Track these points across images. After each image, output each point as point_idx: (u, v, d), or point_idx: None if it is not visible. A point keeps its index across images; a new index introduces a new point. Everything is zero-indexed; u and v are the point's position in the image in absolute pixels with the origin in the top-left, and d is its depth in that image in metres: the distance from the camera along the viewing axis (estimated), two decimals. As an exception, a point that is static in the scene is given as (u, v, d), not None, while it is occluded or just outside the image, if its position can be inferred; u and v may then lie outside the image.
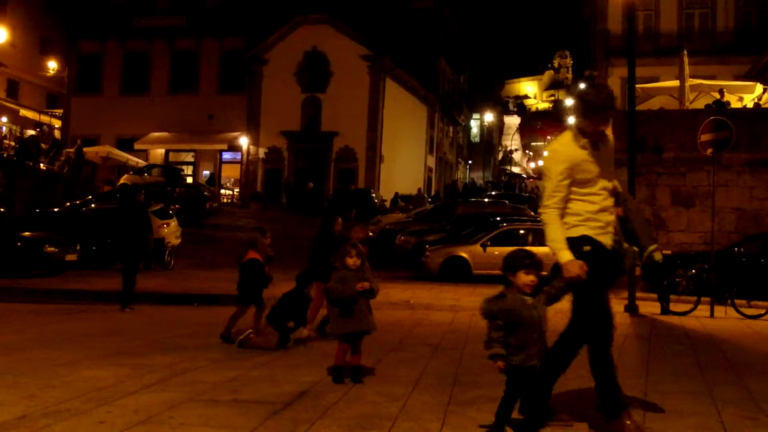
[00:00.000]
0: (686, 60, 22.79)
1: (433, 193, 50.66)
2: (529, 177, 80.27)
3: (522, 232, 20.88)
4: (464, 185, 53.97)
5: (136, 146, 41.75)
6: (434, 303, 15.20)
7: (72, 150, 34.38)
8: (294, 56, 41.56)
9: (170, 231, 22.58)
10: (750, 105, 23.34)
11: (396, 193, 39.08)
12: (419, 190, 41.83)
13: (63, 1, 46.07)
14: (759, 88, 24.02)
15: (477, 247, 20.07)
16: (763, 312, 13.43)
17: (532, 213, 29.38)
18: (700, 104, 23.00)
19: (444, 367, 8.46)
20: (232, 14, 42.55)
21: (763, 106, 22.70)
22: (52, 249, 18.43)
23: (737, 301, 13.78)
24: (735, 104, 23.22)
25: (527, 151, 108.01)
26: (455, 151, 64.13)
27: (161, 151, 43.32)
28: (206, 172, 43.16)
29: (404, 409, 6.57)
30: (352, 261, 7.65)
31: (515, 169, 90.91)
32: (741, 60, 33.29)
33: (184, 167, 42.53)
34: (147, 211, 14.70)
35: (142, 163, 38.06)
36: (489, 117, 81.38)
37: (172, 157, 43.94)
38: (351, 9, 42.88)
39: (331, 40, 41.26)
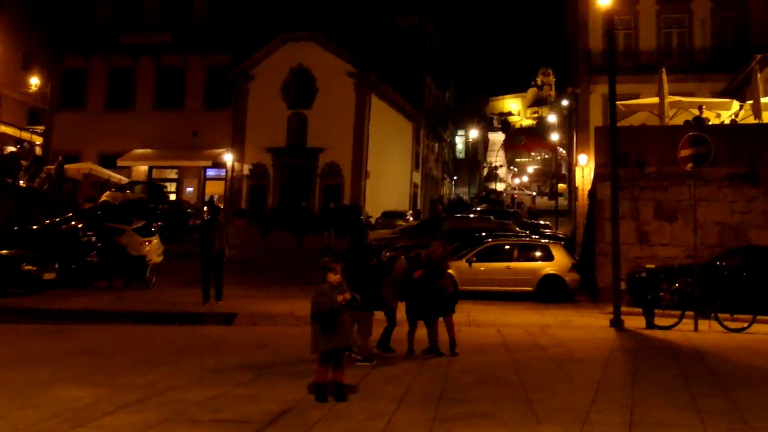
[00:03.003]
0: (665, 77, 22.96)
1: (419, 207, 50.69)
2: (513, 192, 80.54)
3: (507, 247, 20.84)
4: (449, 201, 54.07)
5: (119, 163, 41.44)
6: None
7: (53, 167, 34.11)
8: (280, 73, 41.55)
9: (152, 248, 22.38)
10: (727, 121, 23.55)
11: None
12: (438, 208, 41.18)
13: (48, 17, 45.91)
14: (735, 104, 24.23)
15: (462, 263, 19.98)
16: (746, 325, 13.45)
17: (517, 228, 29.48)
18: (679, 120, 23.17)
19: (430, 384, 8.41)
20: (219, 31, 42.47)
21: (740, 123, 22.91)
22: (30, 267, 17.98)
23: (721, 315, 13.79)
24: (713, 120, 23.39)
25: (511, 167, 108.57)
26: (440, 166, 64.26)
27: (144, 167, 43.00)
28: (189, 189, 42.98)
29: (389, 425, 6.51)
30: (336, 278, 7.61)
31: (500, 185, 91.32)
32: (718, 77, 33.65)
33: (168, 184, 42.30)
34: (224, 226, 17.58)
35: (124, 179, 37.78)
36: (474, 133, 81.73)
37: (155, 173, 43.62)
38: (337, 26, 42.96)
39: (316, 57, 41.29)
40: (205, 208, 32.03)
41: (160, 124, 42.42)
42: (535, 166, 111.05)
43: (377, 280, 10.15)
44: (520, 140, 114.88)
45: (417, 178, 53.57)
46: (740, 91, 29.28)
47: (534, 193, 78.85)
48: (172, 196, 39.94)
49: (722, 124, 23.20)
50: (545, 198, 77.52)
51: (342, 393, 7.41)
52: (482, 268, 19.79)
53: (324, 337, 7.46)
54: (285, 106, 41.26)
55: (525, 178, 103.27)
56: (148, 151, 42.52)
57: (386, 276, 10.42)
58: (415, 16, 52.97)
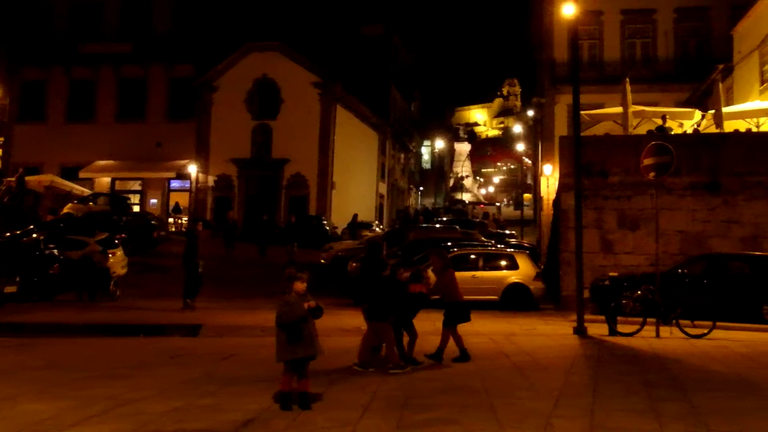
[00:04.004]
0: (629, 87, 23.30)
1: (390, 217, 50.78)
2: (479, 203, 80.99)
3: (472, 256, 20.94)
4: (416, 211, 54.20)
5: (81, 175, 40.92)
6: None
7: (13, 179, 33.60)
8: (244, 83, 41.39)
9: (116, 260, 22.13)
10: (690, 131, 23.92)
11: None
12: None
13: (5, 27, 45.19)
14: (698, 114, 24.64)
15: (428, 273, 20.05)
16: (706, 331, 13.67)
17: (483, 238, 29.64)
18: (642, 130, 23.47)
19: (394, 391, 8.44)
20: (182, 41, 42.16)
21: (702, 132, 23.29)
22: (-10, 280, 17.73)
23: (682, 322, 14.00)
24: (676, 130, 23.76)
25: (478, 178, 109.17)
26: (407, 177, 64.44)
27: (107, 179, 42.52)
28: (153, 201, 42.57)
29: (353, 433, 6.52)
30: (303, 287, 7.62)
31: (466, 196, 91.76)
32: (681, 87, 34.27)
33: (131, 196, 41.87)
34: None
35: (87, 191, 37.29)
36: (440, 144, 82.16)
37: (118, 185, 43.16)
38: (302, 36, 42.94)
39: (281, 68, 41.23)
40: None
41: (122, 135, 42.01)
42: (501, 177, 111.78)
43: (391, 291, 10.38)
44: (486, 151, 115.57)
45: (383, 188, 53.68)
46: (703, 100, 29.81)
47: (499, 203, 79.35)
48: (136, 208, 39.56)
49: (685, 133, 23.57)
50: (511, 208, 78.06)
51: (307, 401, 7.41)
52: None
53: (290, 346, 7.46)
54: (250, 117, 41.13)
55: (491, 189, 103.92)
56: (110, 162, 42.07)
57: (400, 287, 10.57)
58: (380, 26, 53.15)
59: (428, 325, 11.93)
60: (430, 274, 11.50)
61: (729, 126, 22.35)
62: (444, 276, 11.24)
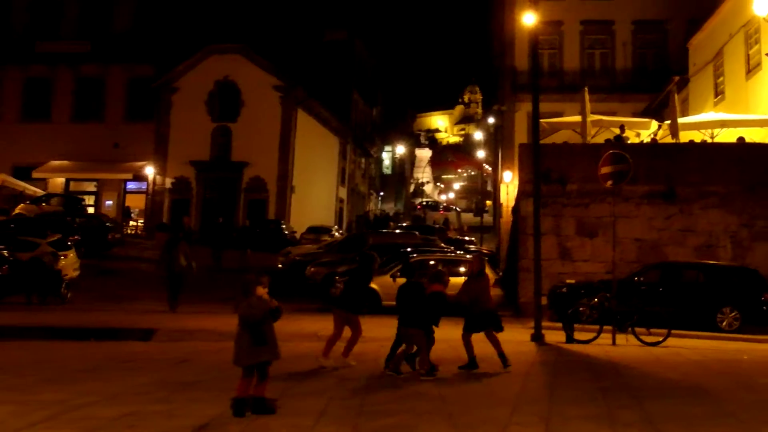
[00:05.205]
0: (587, 97, 23.55)
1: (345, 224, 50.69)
2: (440, 209, 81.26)
3: (432, 262, 20.89)
4: (375, 216, 54.21)
5: (35, 175, 40.12)
6: (342, 334, 15.00)
7: (-37, 179, 32.86)
8: (205, 85, 41.01)
9: (68, 263, 21.60)
10: (647, 140, 24.25)
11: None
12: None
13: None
14: (654, 124, 25.01)
15: (387, 278, 19.95)
16: (661, 339, 13.81)
17: (442, 244, 29.70)
18: (600, 139, 23.73)
19: (350, 398, 8.35)
20: (142, 41, 41.61)
21: (659, 142, 23.61)
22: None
23: (638, 329, 14.11)
24: (633, 139, 24.07)
25: (438, 184, 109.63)
26: (367, 182, 64.43)
27: (61, 180, 41.74)
28: (109, 203, 41.92)
29: (307, 440, 6.42)
30: (264, 291, 7.54)
31: (426, 202, 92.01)
32: (639, 98, 34.80)
33: (86, 197, 41.11)
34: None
35: (40, 192, 36.55)
36: (401, 149, 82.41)
37: (73, 186, 42.38)
38: (265, 40, 42.70)
39: (243, 70, 40.94)
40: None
41: (79, 135, 41.29)
42: (462, 183, 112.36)
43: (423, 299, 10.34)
44: (447, 157, 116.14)
45: (343, 193, 53.59)
46: (660, 111, 30.30)
47: (459, 209, 79.71)
48: (91, 210, 38.84)
49: (642, 143, 23.87)
50: (470, 214, 78.47)
51: (262, 407, 7.28)
52: (407, 283, 19.74)
53: (253, 349, 7.35)
54: (210, 119, 40.78)
55: (451, 195, 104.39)
56: (65, 163, 41.31)
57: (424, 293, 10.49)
58: (343, 31, 53.18)
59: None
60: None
61: (684, 136, 22.72)
62: (481, 281, 11.03)
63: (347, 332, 10.85)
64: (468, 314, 10.92)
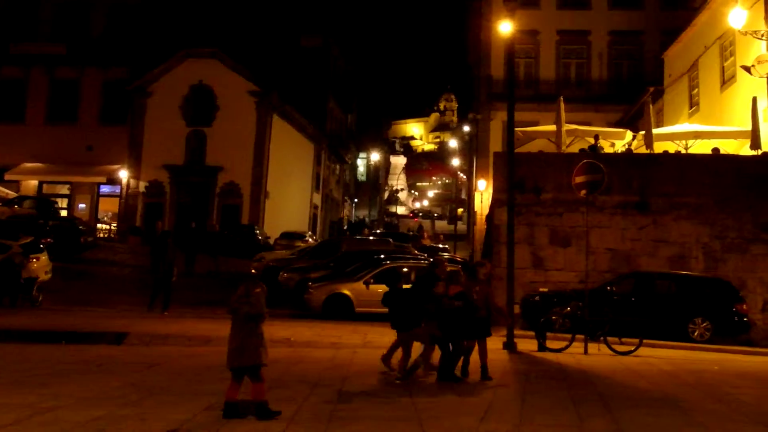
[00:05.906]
0: (563, 106, 23.69)
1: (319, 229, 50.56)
2: (414, 216, 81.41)
3: (405, 269, 20.92)
4: (350, 222, 54.14)
5: (7, 177, 39.56)
6: (316, 340, 15.01)
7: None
8: (180, 89, 40.72)
9: (40, 265, 21.30)
10: (621, 150, 24.43)
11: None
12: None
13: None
14: (629, 134, 25.20)
15: (360, 285, 19.97)
16: (633, 348, 13.91)
17: (416, 251, 29.70)
18: (575, 148, 23.85)
19: (321, 404, 8.32)
20: (117, 44, 41.22)
21: (633, 152, 23.79)
22: None
23: (610, 339, 14.21)
24: (607, 149, 24.23)
25: (412, 191, 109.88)
26: (341, 188, 64.37)
27: (34, 182, 41.22)
28: (82, 206, 41.49)
29: (279, 446, 6.39)
30: (258, 290, 7.85)
31: (400, 209, 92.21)
32: (614, 108, 35.14)
33: (59, 200, 40.62)
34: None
35: (12, 194, 36.08)
36: (375, 156, 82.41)
37: (46, 189, 41.86)
38: (241, 45, 42.52)
39: (218, 75, 40.68)
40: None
41: (52, 137, 40.81)
42: (436, 191, 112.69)
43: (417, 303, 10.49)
44: (421, 164, 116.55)
45: (317, 199, 53.47)
46: (634, 121, 30.57)
47: (435, 214, 79.88)
48: (64, 213, 38.39)
49: (616, 153, 24.04)
50: (444, 222, 78.66)
51: (266, 412, 7.37)
52: (380, 290, 19.69)
53: (254, 351, 7.52)
54: (184, 123, 40.46)
55: (426, 202, 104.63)
56: (38, 165, 40.82)
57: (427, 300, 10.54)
58: (319, 38, 53.10)
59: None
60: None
61: (659, 147, 22.91)
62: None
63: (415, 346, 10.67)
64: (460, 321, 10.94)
